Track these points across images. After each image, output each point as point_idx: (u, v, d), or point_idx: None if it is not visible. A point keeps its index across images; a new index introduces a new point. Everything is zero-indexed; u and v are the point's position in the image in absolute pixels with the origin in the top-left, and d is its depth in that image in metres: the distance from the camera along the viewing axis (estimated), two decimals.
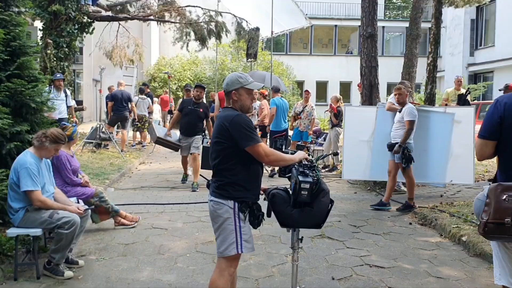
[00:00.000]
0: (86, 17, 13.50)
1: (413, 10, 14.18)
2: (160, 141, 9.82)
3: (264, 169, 4.85)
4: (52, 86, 9.98)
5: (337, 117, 11.20)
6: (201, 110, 9.01)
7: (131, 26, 18.39)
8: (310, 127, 11.73)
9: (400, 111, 7.36)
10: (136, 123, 14.26)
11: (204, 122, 9.21)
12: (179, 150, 9.55)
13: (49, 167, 4.85)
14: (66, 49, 12.80)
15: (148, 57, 24.03)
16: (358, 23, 30.94)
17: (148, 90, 16.95)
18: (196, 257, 5.09)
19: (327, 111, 11.58)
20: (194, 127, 9.05)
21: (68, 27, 12.79)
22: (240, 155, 3.27)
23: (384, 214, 7.17)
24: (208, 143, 8.75)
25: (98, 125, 12.19)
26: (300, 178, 3.27)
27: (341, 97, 11.97)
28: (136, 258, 5.05)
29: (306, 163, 3.42)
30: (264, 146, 3.29)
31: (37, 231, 4.48)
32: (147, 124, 14.20)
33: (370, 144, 8.50)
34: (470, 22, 26.86)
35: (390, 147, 7.41)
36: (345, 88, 31.48)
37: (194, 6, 14.85)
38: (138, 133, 14.77)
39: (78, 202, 5.30)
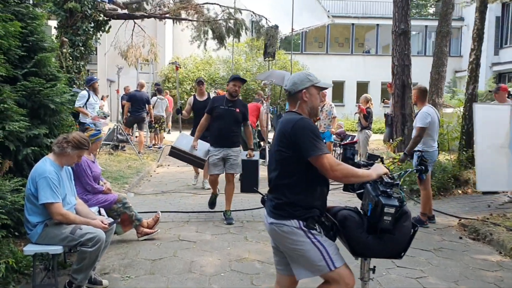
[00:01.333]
0: (102, 15, 13.06)
1: (443, 6, 13.61)
2: (176, 154, 7.10)
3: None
4: (89, 90, 9.75)
5: (366, 119, 10.61)
6: (237, 110, 6.52)
7: (145, 25, 17.95)
8: (332, 126, 11.13)
9: (416, 115, 6.82)
10: (154, 124, 13.79)
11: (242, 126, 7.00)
12: (205, 166, 7.06)
13: (70, 175, 4.35)
14: (82, 48, 12.36)
15: (162, 57, 23.57)
16: (376, 21, 30.82)
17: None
18: (231, 277, 4.56)
19: (356, 113, 11.00)
20: (230, 135, 6.56)
21: (84, 25, 12.36)
22: (303, 168, 2.79)
23: (430, 226, 6.60)
24: (249, 155, 7.09)
25: (115, 126, 11.73)
26: (383, 200, 2.70)
27: (371, 97, 11.37)
28: (165, 277, 4.53)
29: (388, 180, 2.86)
30: (331, 157, 2.76)
31: (58, 249, 3.96)
32: (163, 125, 13.73)
33: (505, 149, 7.43)
34: (495, 19, 26.09)
35: (411, 155, 6.81)
36: (362, 88, 30.78)
37: (212, 4, 14.34)
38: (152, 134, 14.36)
39: (99, 213, 4.82)
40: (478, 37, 9.19)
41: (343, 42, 33.28)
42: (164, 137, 14.59)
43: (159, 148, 14.09)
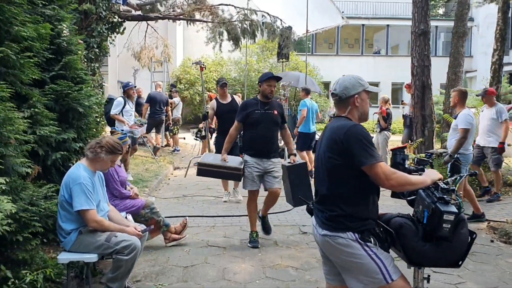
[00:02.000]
0: (117, 17, 12.97)
1: (459, 6, 13.42)
2: (206, 170, 5.92)
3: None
4: (125, 96, 9.54)
5: (386, 120, 10.46)
6: (275, 112, 5.59)
7: (158, 27, 17.88)
8: None
9: (455, 118, 6.70)
10: (171, 127, 13.63)
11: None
12: (242, 181, 5.77)
13: (102, 181, 4.24)
14: (97, 50, 12.22)
15: (174, 58, 23.49)
16: (386, 22, 30.56)
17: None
18: (267, 285, 4.44)
19: (376, 113, 10.86)
20: (270, 143, 5.58)
21: (98, 27, 12.24)
22: (356, 177, 2.66)
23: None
24: (293, 160, 5.69)
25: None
26: (442, 207, 2.58)
27: (389, 98, 11.22)
28: (199, 284, 4.42)
29: (443, 185, 2.73)
30: (385, 166, 2.62)
31: (92, 257, 3.86)
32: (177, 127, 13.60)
33: None
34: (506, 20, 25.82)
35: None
36: None
37: (227, 5, 14.22)
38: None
39: (126, 218, 4.71)
40: (501, 37, 9.07)
41: (353, 43, 33.10)
42: (178, 140, 14.42)
43: (174, 150, 13.96)
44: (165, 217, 5.86)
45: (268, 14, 14.51)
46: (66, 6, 5.35)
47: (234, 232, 6.08)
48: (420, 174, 2.92)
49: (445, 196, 2.66)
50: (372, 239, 2.68)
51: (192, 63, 9.46)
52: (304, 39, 18.30)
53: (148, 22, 16.38)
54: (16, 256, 3.59)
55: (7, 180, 2.88)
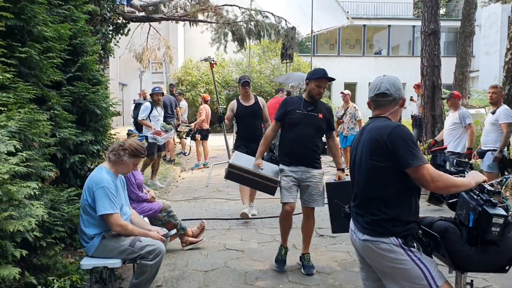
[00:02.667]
0: (121, 18, 12.88)
1: (466, 5, 13.40)
2: (237, 175, 4.93)
3: None
4: (150, 102, 9.17)
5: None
6: (320, 116, 4.64)
7: (160, 28, 17.79)
8: (357, 130, 10.87)
9: (493, 113, 6.65)
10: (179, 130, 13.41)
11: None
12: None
13: (124, 184, 4.15)
14: (101, 52, 12.13)
15: (175, 59, 23.39)
16: (387, 22, 30.51)
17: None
18: None
19: None
20: (309, 149, 4.68)
21: (103, 28, 12.17)
22: (399, 180, 2.58)
23: None
24: (338, 177, 4.72)
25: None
26: (489, 210, 2.49)
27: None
28: None
29: (489, 188, 2.65)
30: (430, 168, 2.54)
31: (116, 262, 3.75)
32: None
33: None
34: (508, 19, 25.83)
35: (481, 154, 6.68)
36: None
37: (231, 5, 14.13)
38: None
39: None
40: None
41: (354, 43, 33.06)
42: (185, 143, 14.28)
43: (181, 153, 13.85)
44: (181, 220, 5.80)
45: (272, 14, 14.43)
46: (81, 6, 5.26)
47: (250, 235, 5.99)
48: (461, 176, 2.84)
49: (491, 198, 2.58)
50: (415, 244, 2.59)
51: (201, 60, 8.54)
52: (305, 40, 18.24)
53: (151, 23, 16.30)
54: (40, 262, 3.50)
55: (39, 185, 2.79)
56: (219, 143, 16.64)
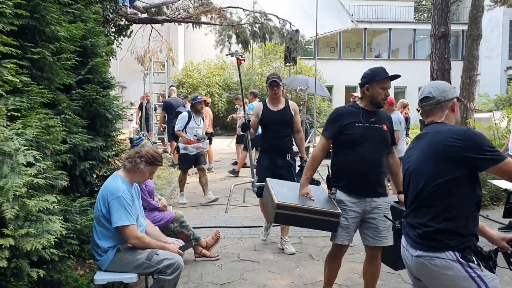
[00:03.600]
0: (124, 20, 12.67)
1: (472, 9, 13.21)
2: (287, 216, 3.65)
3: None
4: (191, 111, 8.23)
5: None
6: (384, 127, 3.71)
7: (162, 30, 17.60)
8: None
9: None
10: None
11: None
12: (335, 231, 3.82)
13: (139, 193, 3.92)
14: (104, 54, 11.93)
15: (176, 62, 23.20)
16: (388, 26, 30.39)
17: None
18: None
19: None
20: (379, 173, 3.69)
21: (105, 29, 11.94)
22: (467, 187, 2.37)
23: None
24: (401, 200, 3.58)
25: (141, 135, 11.24)
26: None
27: (408, 102, 10.93)
28: None
29: None
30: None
31: (133, 277, 3.54)
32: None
33: None
34: (509, 23, 25.77)
35: None
36: None
37: (235, 7, 13.94)
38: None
39: None
40: None
41: (354, 47, 32.93)
42: None
43: None
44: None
45: (277, 17, 14.25)
46: (91, 5, 5.04)
47: (264, 245, 5.76)
48: None
49: None
50: (474, 258, 2.36)
51: (226, 55, 7.16)
52: (305, 43, 18.06)
53: (153, 25, 16.09)
54: (51, 277, 3.27)
55: (59, 198, 2.57)
56: (221, 146, 16.48)
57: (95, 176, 4.96)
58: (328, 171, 3.86)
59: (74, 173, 4.27)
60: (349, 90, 27.99)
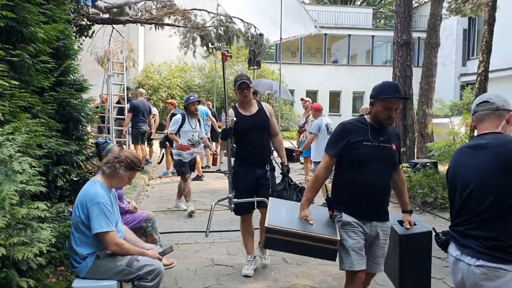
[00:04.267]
0: (85, 19, 12.38)
1: (431, 17, 13.65)
2: (280, 241, 3.33)
3: None
4: (185, 114, 7.77)
5: None
6: (393, 147, 3.48)
7: (123, 31, 17.29)
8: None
9: None
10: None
11: None
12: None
13: (116, 199, 3.86)
14: None
15: (136, 62, 22.85)
16: (348, 32, 30.99)
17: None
18: None
19: None
20: (386, 196, 3.48)
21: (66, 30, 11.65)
22: None
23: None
24: (408, 222, 3.64)
25: (103, 138, 10.99)
26: None
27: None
28: None
29: None
30: None
31: (112, 284, 3.47)
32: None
33: None
34: (463, 32, 26.76)
35: None
36: (334, 97, 31.01)
37: (200, 10, 13.88)
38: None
39: None
40: (487, 50, 9.15)
41: (315, 52, 33.40)
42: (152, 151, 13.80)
43: (147, 162, 13.36)
44: (160, 233, 5.53)
45: (242, 20, 14.29)
46: (62, 5, 4.92)
47: (237, 249, 5.76)
48: None
49: None
50: None
51: (210, 48, 6.31)
52: (281, 47, 18.29)
53: (114, 25, 15.80)
54: (28, 285, 3.16)
55: (49, 205, 2.49)
56: None
57: (65, 180, 4.85)
58: (327, 190, 3.71)
59: (47, 178, 4.15)
60: (309, 94, 28.40)
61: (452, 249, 2.60)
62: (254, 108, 4.89)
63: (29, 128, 2.70)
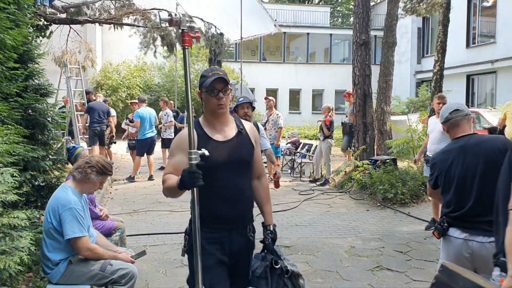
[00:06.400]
0: (42, 19, 12.12)
1: (388, 17, 14.01)
2: None
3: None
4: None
5: (329, 128, 10.62)
6: None
7: (80, 30, 16.97)
8: (277, 137, 10.91)
9: None
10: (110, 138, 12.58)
11: None
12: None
13: (87, 204, 3.87)
14: None
15: (95, 62, 22.44)
16: (306, 30, 31.37)
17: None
18: None
19: (320, 121, 11.03)
20: None
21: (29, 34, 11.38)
22: None
23: (419, 236, 6.67)
24: None
25: (65, 141, 10.82)
26: None
27: (333, 107, 11.43)
28: None
29: None
30: None
31: None
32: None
33: None
34: (417, 30, 27.55)
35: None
36: (294, 95, 31.32)
37: (160, 9, 13.81)
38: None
39: None
40: (442, 49, 9.52)
41: (274, 50, 33.65)
42: (111, 153, 13.61)
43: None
44: (127, 235, 5.55)
45: (202, 20, 14.31)
46: (25, 9, 4.86)
47: None
48: None
49: None
50: None
51: (163, 20, 5.15)
52: (241, 46, 18.40)
53: (71, 25, 15.51)
54: None
55: (28, 215, 2.50)
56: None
57: (31, 186, 4.79)
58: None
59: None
60: (269, 92, 28.61)
61: (457, 232, 3.05)
62: (231, 129, 2.82)
63: (2, 138, 2.70)
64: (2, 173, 2.10)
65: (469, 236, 2.97)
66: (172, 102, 16.77)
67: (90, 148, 11.45)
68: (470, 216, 2.98)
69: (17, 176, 2.36)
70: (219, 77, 2.66)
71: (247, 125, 2.94)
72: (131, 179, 10.85)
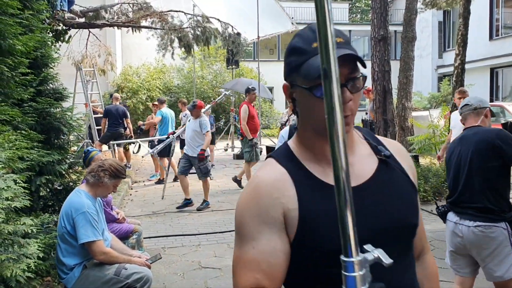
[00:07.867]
0: (61, 25, 12.25)
1: (407, 12, 13.81)
2: None
3: None
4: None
5: None
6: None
7: (100, 34, 17.13)
8: None
9: None
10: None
11: None
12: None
13: (102, 207, 3.85)
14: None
15: (114, 66, 22.65)
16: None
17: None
18: None
19: None
20: None
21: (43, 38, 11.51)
22: (505, 174, 3.13)
23: (443, 234, 6.51)
24: None
25: (84, 144, 10.93)
26: None
27: None
28: None
29: None
30: None
31: None
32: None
33: None
34: (438, 24, 27.10)
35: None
36: None
37: (176, 11, 13.84)
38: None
39: None
40: (463, 43, 9.29)
41: None
42: (130, 155, 13.65)
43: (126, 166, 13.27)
44: (145, 238, 5.55)
45: (219, 20, 14.28)
46: (39, 14, 4.88)
47: (223, 251, 5.79)
48: None
49: None
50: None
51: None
52: (258, 46, 18.31)
53: (90, 30, 15.67)
54: None
55: (35, 220, 2.49)
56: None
57: (48, 190, 4.81)
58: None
59: (30, 189, 4.12)
60: None
61: (451, 216, 3.29)
62: (363, 158, 1.32)
63: (12, 144, 2.69)
64: (6, 180, 2.09)
65: (459, 220, 3.21)
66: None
67: (97, 142, 11.53)
68: (460, 202, 3.23)
69: (21, 182, 2.33)
70: (349, 54, 1.17)
71: (391, 145, 1.43)
72: (160, 182, 10.79)
